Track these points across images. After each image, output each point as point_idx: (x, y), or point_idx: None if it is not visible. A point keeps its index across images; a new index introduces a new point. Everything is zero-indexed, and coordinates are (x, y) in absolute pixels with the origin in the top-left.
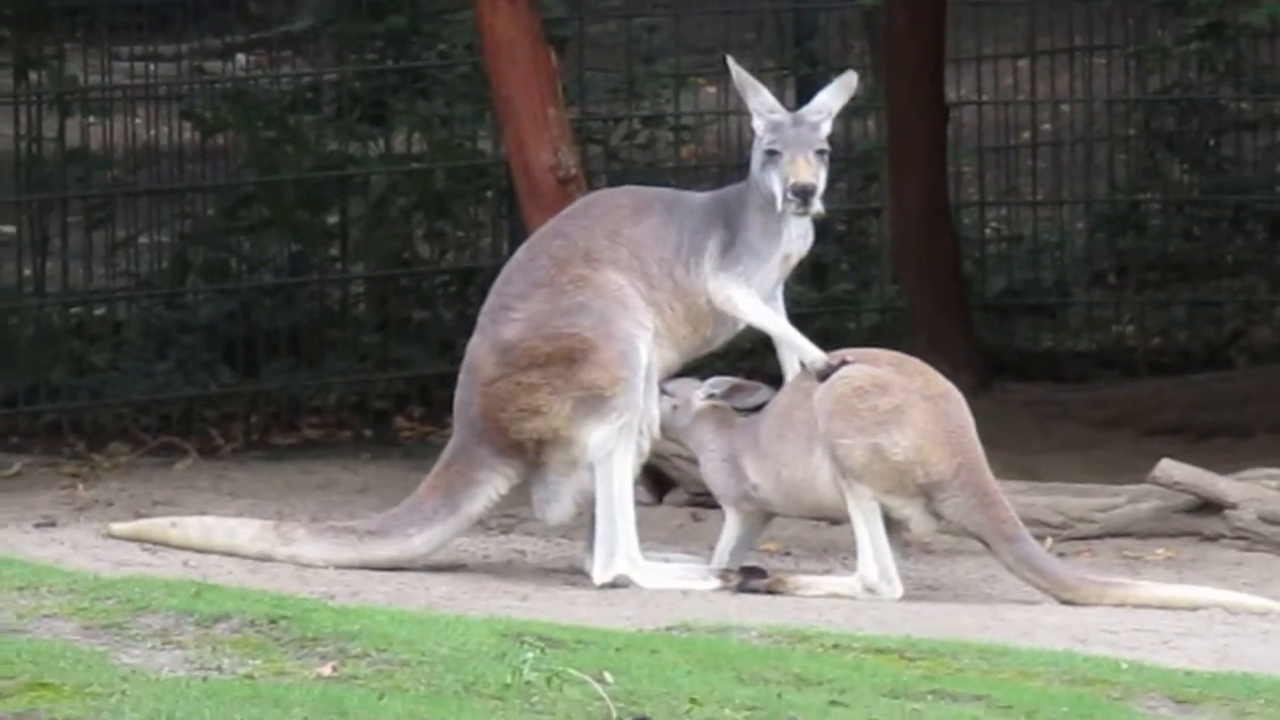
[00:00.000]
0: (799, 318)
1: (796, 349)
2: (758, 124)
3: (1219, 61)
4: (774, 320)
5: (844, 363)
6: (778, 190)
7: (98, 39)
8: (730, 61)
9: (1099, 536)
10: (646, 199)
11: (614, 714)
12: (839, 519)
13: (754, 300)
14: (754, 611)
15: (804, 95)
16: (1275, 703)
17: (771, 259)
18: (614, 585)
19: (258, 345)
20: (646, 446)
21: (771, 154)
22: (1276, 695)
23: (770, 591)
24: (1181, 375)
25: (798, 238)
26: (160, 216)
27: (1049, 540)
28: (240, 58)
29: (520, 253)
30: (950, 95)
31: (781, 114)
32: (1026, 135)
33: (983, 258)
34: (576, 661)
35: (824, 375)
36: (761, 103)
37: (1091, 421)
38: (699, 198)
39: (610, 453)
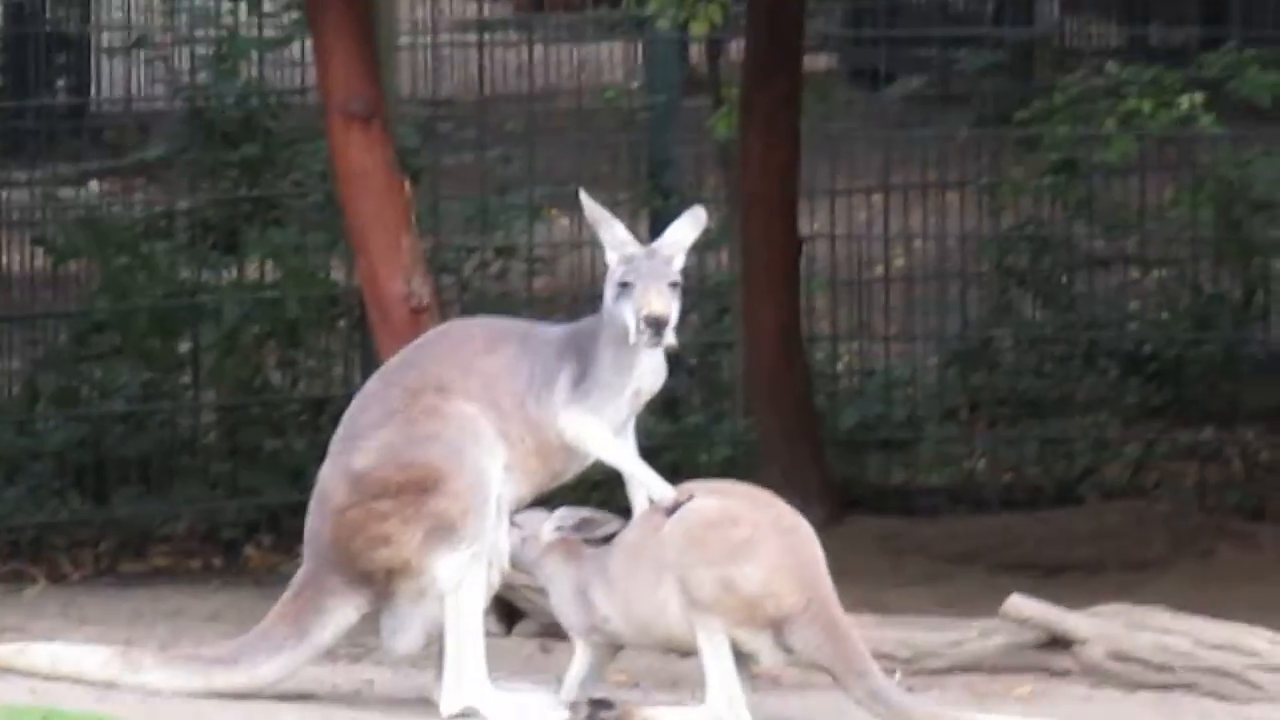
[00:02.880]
0: (651, 450)
1: (645, 485)
2: (611, 257)
3: (1071, 198)
4: (623, 455)
5: (691, 498)
6: (631, 322)
7: None
8: (583, 195)
9: (948, 671)
10: (500, 330)
11: None
12: (689, 651)
13: (603, 434)
14: None
15: (658, 228)
16: None
17: (623, 393)
18: (462, 716)
19: (108, 472)
20: (496, 578)
21: (625, 286)
22: None
23: None
24: (1033, 511)
25: (649, 372)
26: (11, 343)
27: (898, 674)
28: (93, 184)
29: (372, 382)
30: (804, 228)
31: (635, 247)
32: (880, 269)
33: (835, 391)
34: None
35: (671, 511)
36: (614, 236)
37: (943, 556)
38: (553, 330)
39: (459, 583)
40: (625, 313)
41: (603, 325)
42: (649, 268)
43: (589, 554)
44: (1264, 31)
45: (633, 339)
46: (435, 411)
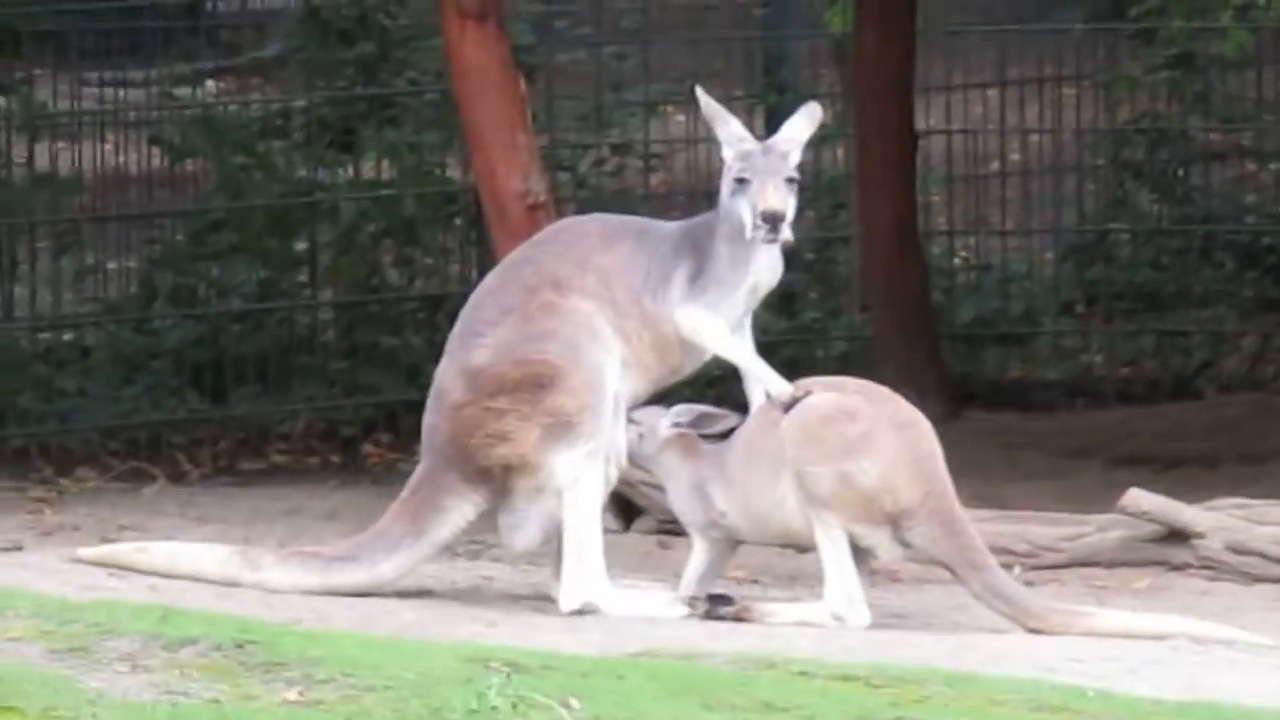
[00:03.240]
0: (767, 346)
1: (762, 380)
2: (727, 153)
3: (1187, 92)
4: (740, 351)
5: (808, 394)
6: (747, 218)
7: (67, 64)
8: (699, 90)
9: (1066, 565)
10: (615, 227)
11: None
12: (806, 546)
13: (720, 330)
14: (721, 638)
15: (773, 124)
16: None
17: (739, 289)
18: (581, 612)
19: (225, 371)
20: (614, 474)
21: (741, 182)
22: None
23: (737, 619)
24: (1149, 405)
25: (766, 268)
26: (128, 242)
27: (1016, 569)
28: (209, 84)
29: (489, 279)
30: (919, 124)
31: (751, 143)
32: (995, 165)
33: (951, 287)
34: (542, 687)
35: (789, 406)
36: (730, 132)
37: (1059, 451)
38: (668, 227)
39: (577, 480)
40: (742, 208)
41: (719, 221)
42: (765, 163)
43: (706, 450)
44: None
45: (749, 234)
46: (552, 308)
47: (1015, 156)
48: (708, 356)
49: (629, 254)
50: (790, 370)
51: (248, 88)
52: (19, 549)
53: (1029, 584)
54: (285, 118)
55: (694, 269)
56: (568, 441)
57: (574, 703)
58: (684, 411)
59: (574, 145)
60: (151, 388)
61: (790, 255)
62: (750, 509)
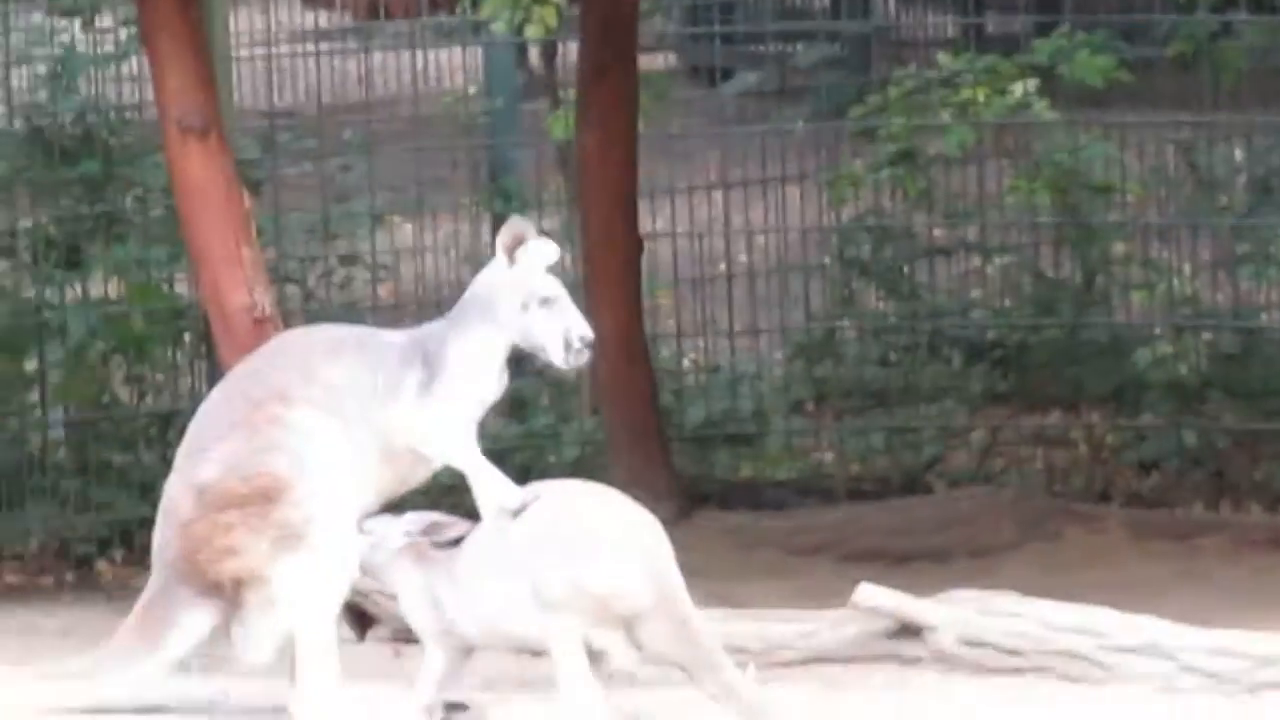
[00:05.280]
0: (498, 453)
1: (491, 487)
2: (504, 264)
3: (911, 189)
4: (469, 458)
5: (538, 498)
6: (558, 339)
7: None
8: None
9: (801, 662)
10: (341, 337)
11: None
12: (540, 651)
13: (450, 439)
14: None
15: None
16: None
17: (471, 399)
18: None
19: None
20: (346, 585)
21: (547, 301)
22: None
23: None
24: (880, 501)
25: (499, 379)
26: None
27: (751, 667)
28: None
29: (214, 393)
30: (646, 227)
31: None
32: (722, 267)
33: (681, 389)
34: None
35: (519, 512)
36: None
37: (792, 548)
38: (395, 336)
39: (309, 592)
40: (551, 330)
41: (459, 330)
42: (559, 287)
43: (438, 557)
44: (1096, 16)
45: (560, 358)
46: (278, 420)
47: (742, 258)
48: (438, 466)
49: (356, 364)
50: (523, 476)
51: None
52: None
53: (764, 683)
54: (12, 237)
55: (424, 378)
56: (297, 554)
57: None
58: (415, 520)
59: (301, 258)
60: None
61: (520, 361)
62: (482, 615)
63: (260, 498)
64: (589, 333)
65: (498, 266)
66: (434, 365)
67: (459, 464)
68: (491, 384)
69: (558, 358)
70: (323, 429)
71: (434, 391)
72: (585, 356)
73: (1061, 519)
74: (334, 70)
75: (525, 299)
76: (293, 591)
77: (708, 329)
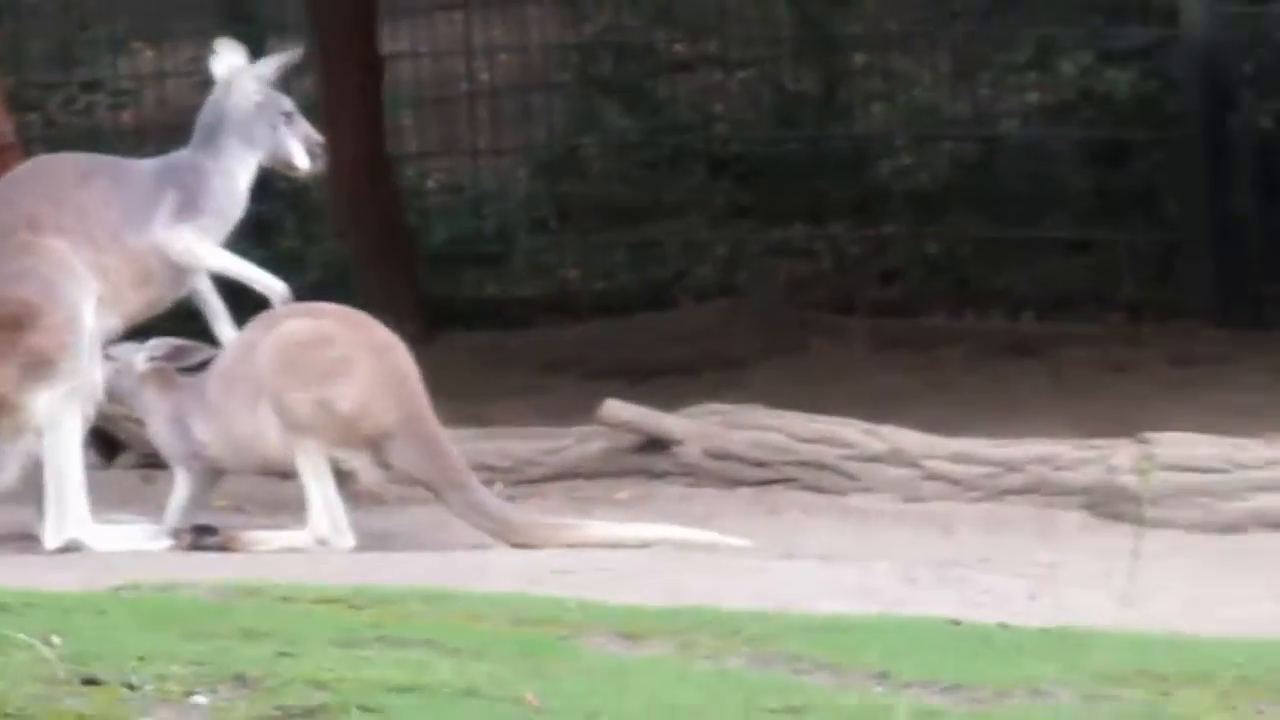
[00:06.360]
0: None
1: (259, 284)
2: (251, 89)
3: (651, 4)
4: (232, 262)
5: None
6: (301, 149)
7: None
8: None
9: (548, 479)
10: (92, 164)
11: (61, 675)
12: (289, 473)
13: (209, 248)
14: (205, 568)
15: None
16: (720, 634)
17: (224, 217)
18: (65, 549)
19: None
20: (92, 410)
21: (289, 116)
22: (722, 626)
23: (223, 549)
24: (626, 317)
25: (245, 197)
26: None
27: (498, 485)
28: None
29: None
30: (387, 48)
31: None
32: (465, 86)
33: (425, 209)
34: (23, 625)
35: (287, 301)
36: (261, 72)
37: (537, 366)
38: (146, 163)
39: (57, 418)
40: (293, 142)
41: (206, 153)
42: (289, 102)
43: (184, 382)
44: None
45: (306, 165)
46: (27, 248)
47: (484, 77)
48: (184, 290)
49: (107, 190)
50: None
51: None
52: None
53: (512, 499)
54: None
55: (180, 201)
56: (46, 381)
57: (55, 639)
58: (159, 345)
59: (42, 84)
60: None
61: (264, 183)
62: (230, 438)
63: (9, 324)
64: (320, 138)
65: (245, 90)
66: (191, 187)
67: (224, 269)
68: (243, 201)
69: (304, 165)
70: (73, 255)
71: (195, 212)
72: (322, 162)
73: (806, 331)
74: None
75: (272, 118)
76: (41, 418)
77: (451, 149)
